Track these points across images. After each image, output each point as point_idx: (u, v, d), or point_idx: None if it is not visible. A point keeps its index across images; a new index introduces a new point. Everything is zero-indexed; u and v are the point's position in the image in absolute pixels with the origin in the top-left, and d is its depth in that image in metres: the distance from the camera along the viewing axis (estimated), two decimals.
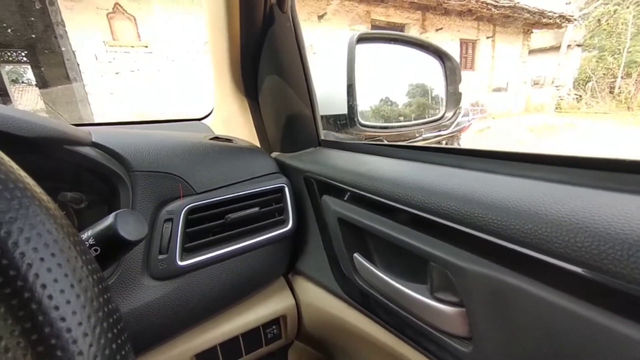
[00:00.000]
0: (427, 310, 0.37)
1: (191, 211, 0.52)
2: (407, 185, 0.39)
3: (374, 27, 6.97)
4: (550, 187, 0.29)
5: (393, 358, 0.47)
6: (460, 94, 0.96)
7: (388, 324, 0.45)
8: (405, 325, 0.43)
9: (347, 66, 0.82)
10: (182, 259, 0.50)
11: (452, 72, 0.96)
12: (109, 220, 0.33)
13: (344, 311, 0.54)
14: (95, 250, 0.32)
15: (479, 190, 0.32)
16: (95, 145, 0.49)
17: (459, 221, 0.32)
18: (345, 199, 0.51)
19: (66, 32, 4.50)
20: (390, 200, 0.40)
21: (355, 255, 0.48)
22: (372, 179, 0.45)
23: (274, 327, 0.61)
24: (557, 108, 9.62)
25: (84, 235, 0.31)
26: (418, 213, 0.36)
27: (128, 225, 0.34)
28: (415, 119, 1.08)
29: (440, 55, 0.99)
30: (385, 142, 0.57)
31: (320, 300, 0.59)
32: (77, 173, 0.50)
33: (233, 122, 0.83)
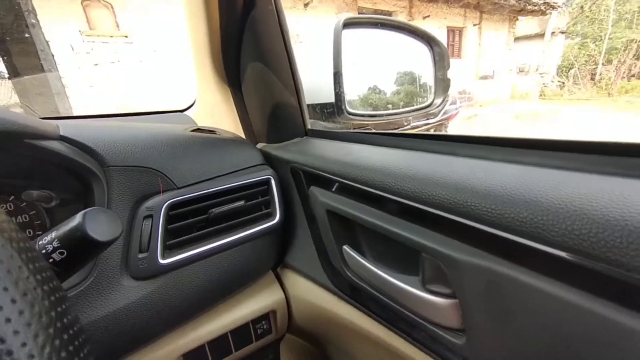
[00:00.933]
0: (419, 302, 0.36)
1: (172, 207, 0.49)
2: (397, 174, 0.38)
3: (361, 14, 6.87)
4: (545, 173, 0.28)
5: (385, 350, 0.46)
6: (449, 80, 0.94)
7: (379, 317, 0.44)
8: (397, 317, 0.42)
9: (333, 52, 0.79)
10: (163, 257, 0.47)
11: (440, 57, 0.94)
12: (76, 220, 0.30)
13: (335, 304, 0.53)
14: (61, 253, 0.29)
15: (471, 178, 0.31)
16: (63, 139, 0.46)
17: (451, 210, 0.30)
18: (334, 189, 0.49)
19: (38, 20, 4.26)
20: (380, 190, 0.39)
21: (345, 247, 0.46)
22: (361, 168, 0.43)
23: (263, 322, 0.60)
24: (541, 95, 9.78)
25: (47, 238, 0.29)
26: (408, 203, 0.35)
27: (99, 224, 0.31)
28: (403, 107, 1.06)
29: (428, 40, 0.97)
30: (374, 131, 0.55)
31: (310, 294, 0.57)
32: (46, 170, 0.46)
33: (216, 112, 0.79)
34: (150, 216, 0.48)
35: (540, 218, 0.24)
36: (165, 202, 0.48)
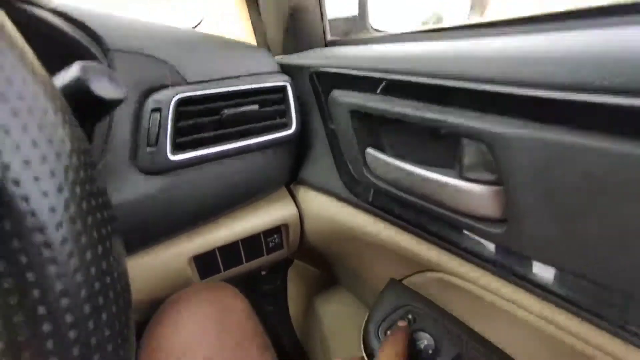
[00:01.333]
0: (454, 194, 0.33)
1: (181, 103, 0.45)
2: (437, 57, 0.33)
3: None
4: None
5: (405, 259, 0.45)
6: None
7: (403, 220, 0.42)
8: (425, 217, 0.39)
9: None
10: (173, 153, 0.45)
11: None
12: (73, 70, 0.26)
13: (353, 216, 0.51)
14: None
15: (538, 48, 0.26)
16: (56, 13, 0.40)
17: (509, 83, 0.26)
18: (358, 88, 0.44)
19: None
20: (414, 75, 0.34)
21: (368, 150, 0.43)
22: (390, 59, 0.38)
23: (275, 236, 0.59)
24: None
25: None
26: (449, 84, 0.30)
27: (100, 81, 0.27)
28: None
29: None
30: (403, 31, 0.48)
31: (325, 208, 0.56)
32: (42, 47, 0.42)
33: (226, 24, 0.72)
34: (159, 110, 0.44)
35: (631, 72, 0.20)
36: (175, 96, 0.44)
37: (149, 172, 0.44)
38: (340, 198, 0.52)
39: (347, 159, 0.47)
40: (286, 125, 0.54)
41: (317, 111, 0.53)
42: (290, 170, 0.59)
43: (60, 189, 0.13)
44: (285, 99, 0.54)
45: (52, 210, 0.13)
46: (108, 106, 0.28)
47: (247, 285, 0.95)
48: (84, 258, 0.14)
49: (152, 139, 0.44)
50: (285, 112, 0.54)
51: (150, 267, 0.49)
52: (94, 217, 0.15)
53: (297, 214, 0.60)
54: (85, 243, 0.14)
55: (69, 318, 0.13)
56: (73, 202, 0.14)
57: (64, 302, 0.13)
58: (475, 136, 0.29)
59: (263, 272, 0.96)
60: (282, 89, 0.53)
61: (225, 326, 0.42)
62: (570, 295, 0.27)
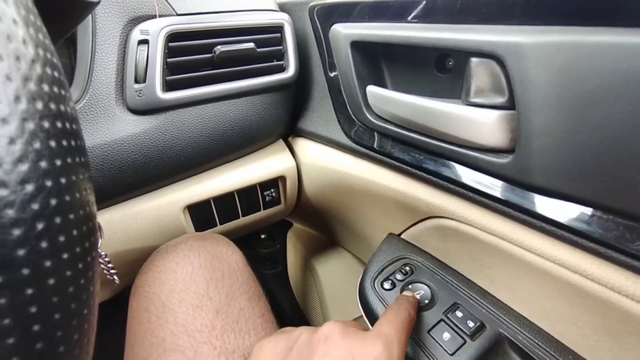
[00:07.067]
0: (458, 123, 0.30)
1: (172, 38, 0.42)
2: None
3: None
4: None
5: (405, 208, 0.43)
6: None
7: (403, 163, 0.39)
8: (425, 155, 0.37)
9: None
10: (163, 92, 0.42)
11: None
12: None
13: (351, 164, 0.48)
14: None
15: None
16: None
17: None
18: (360, 19, 0.41)
19: None
20: None
21: (369, 87, 0.40)
22: None
23: (272, 190, 0.58)
24: None
25: None
26: None
27: None
28: None
29: None
30: None
31: (323, 159, 0.53)
32: None
33: None
34: (146, 42, 0.41)
35: None
36: (163, 28, 0.41)
37: (137, 111, 0.42)
38: (338, 145, 0.49)
39: (347, 100, 0.45)
40: (284, 69, 0.51)
41: (315, 57, 0.50)
42: (287, 120, 0.56)
43: (17, 98, 0.11)
44: (283, 39, 0.50)
45: (3, 121, 0.11)
46: (79, 8, 0.25)
47: (246, 250, 0.95)
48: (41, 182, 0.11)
49: (140, 74, 0.41)
50: (283, 54, 0.51)
51: (144, 215, 0.48)
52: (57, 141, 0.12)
53: (295, 166, 0.58)
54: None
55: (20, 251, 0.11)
56: (31, 118, 0.11)
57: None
58: (487, 51, 0.26)
59: (263, 236, 0.96)
60: (280, 29, 0.50)
61: (215, 275, 0.40)
62: (589, 232, 0.24)
